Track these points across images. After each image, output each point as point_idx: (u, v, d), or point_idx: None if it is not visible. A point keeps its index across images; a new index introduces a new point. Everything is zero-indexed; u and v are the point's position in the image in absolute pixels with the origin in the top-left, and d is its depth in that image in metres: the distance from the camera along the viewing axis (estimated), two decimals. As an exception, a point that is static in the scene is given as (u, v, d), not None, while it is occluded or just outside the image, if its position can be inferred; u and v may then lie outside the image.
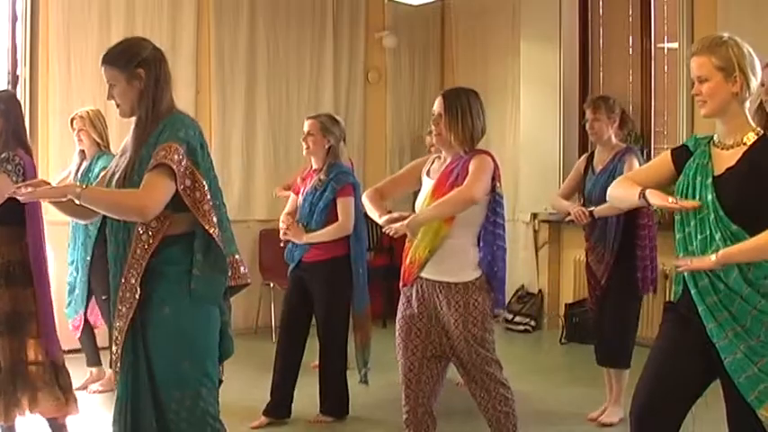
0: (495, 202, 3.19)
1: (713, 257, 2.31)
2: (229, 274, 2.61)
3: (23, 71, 5.85)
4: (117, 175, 2.55)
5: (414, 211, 3.27)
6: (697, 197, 2.39)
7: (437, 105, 3.25)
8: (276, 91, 6.91)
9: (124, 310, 2.51)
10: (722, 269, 2.31)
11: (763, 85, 3.42)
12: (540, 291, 6.95)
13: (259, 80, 6.87)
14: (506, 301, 3.36)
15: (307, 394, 4.43)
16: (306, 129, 4.26)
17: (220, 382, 2.72)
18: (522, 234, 7.07)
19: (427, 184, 3.28)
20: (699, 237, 2.37)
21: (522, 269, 7.10)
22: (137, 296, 2.47)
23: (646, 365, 2.53)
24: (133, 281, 2.47)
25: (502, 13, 7.22)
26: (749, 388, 2.30)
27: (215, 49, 6.64)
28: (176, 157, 2.44)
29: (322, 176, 4.20)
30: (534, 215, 6.94)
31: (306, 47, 7.14)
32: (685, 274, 2.43)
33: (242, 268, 2.66)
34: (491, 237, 3.19)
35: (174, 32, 6.39)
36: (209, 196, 2.51)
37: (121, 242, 2.52)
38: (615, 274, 4.14)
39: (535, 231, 6.99)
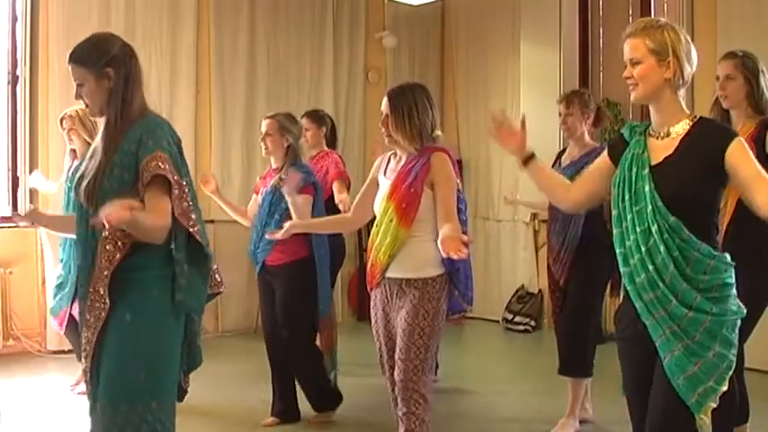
0: (457, 199, 3.11)
1: None
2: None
3: (23, 71, 5.85)
4: (87, 180, 2.45)
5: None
6: (633, 189, 2.29)
7: (383, 106, 3.17)
8: (276, 91, 6.92)
9: (92, 320, 2.41)
10: (660, 262, 2.23)
11: (717, 78, 3.37)
12: (539, 291, 6.95)
13: (259, 80, 6.87)
14: (472, 298, 3.24)
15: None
16: (263, 129, 4.16)
17: (185, 392, 2.61)
18: (522, 234, 7.07)
19: (384, 185, 3.18)
20: (638, 230, 2.27)
21: (522, 269, 7.11)
22: (105, 306, 2.38)
23: (627, 400, 2.45)
24: (102, 291, 2.38)
25: (502, 13, 7.23)
26: (689, 389, 2.21)
27: (215, 49, 6.64)
28: (167, 166, 2.38)
29: (282, 176, 4.10)
30: (534, 215, 6.93)
31: (306, 47, 7.14)
32: (622, 268, 2.34)
33: (217, 276, 2.59)
34: None
35: (174, 32, 6.39)
36: (191, 203, 2.45)
37: (89, 251, 2.43)
38: (576, 274, 3.93)
39: (535, 231, 6.99)
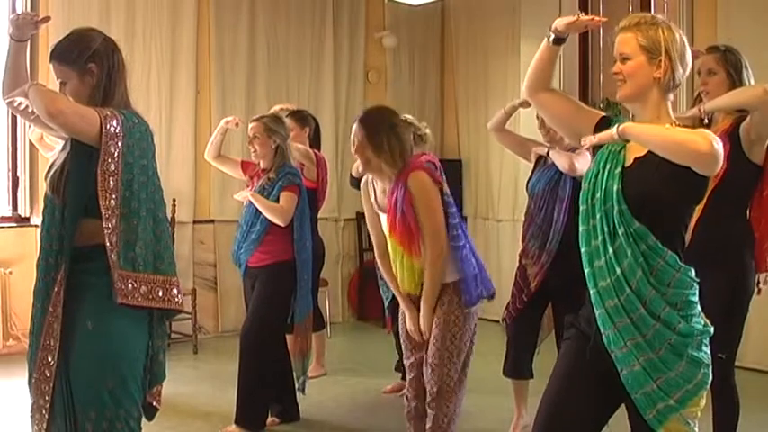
0: (444, 203, 3.15)
1: (614, 129, 2.13)
2: (160, 294, 2.43)
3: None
4: (54, 169, 2.44)
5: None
6: (604, 187, 2.16)
7: (356, 133, 3.11)
8: (276, 91, 6.91)
9: (52, 342, 2.38)
10: (627, 266, 2.10)
11: (699, 74, 3.25)
12: (540, 291, 6.92)
13: (259, 80, 6.87)
14: (481, 295, 3.26)
15: (307, 395, 4.44)
16: (250, 133, 4.15)
17: (156, 409, 2.55)
18: (522, 234, 7.05)
19: (383, 219, 3.24)
20: (605, 230, 2.14)
21: (522, 269, 7.09)
22: (59, 316, 2.35)
23: (544, 393, 2.30)
24: (58, 311, 2.36)
25: (502, 13, 7.22)
26: (647, 405, 2.11)
27: (215, 49, 6.64)
28: (114, 123, 2.34)
29: (271, 175, 4.11)
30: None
31: (306, 47, 7.14)
32: (586, 269, 2.19)
33: (174, 290, 2.46)
34: (449, 238, 3.16)
35: (173, 32, 6.40)
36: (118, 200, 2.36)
37: (51, 280, 2.38)
38: (556, 279, 3.75)
39: (535, 231, 6.97)
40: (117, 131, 2.35)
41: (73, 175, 2.38)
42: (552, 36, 2.30)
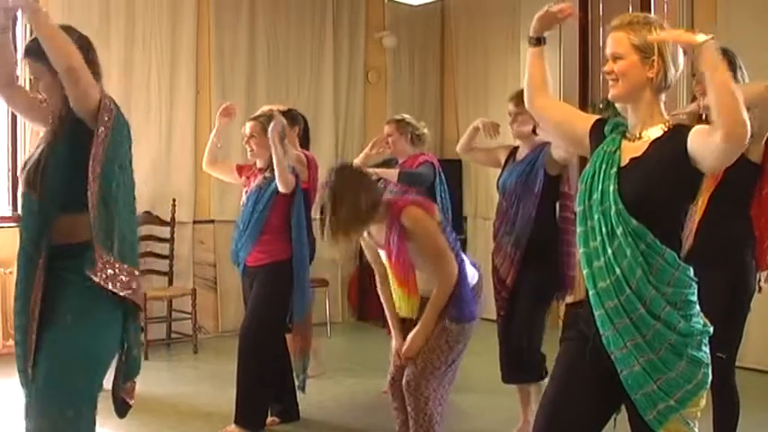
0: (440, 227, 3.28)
1: (700, 36, 1.97)
2: (134, 287, 2.40)
3: (23, 71, 5.82)
4: (30, 165, 2.42)
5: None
6: (600, 187, 2.16)
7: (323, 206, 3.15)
8: (276, 91, 6.92)
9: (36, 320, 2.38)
10: (627, 266, 2.09)
11: (693, 75, 3.28)
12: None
13: (259, 80, 6.87)
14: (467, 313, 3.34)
15: (307, 395, 4.44)
16: (247, 132, 4.16)
17: (129, 406, 2.54)
18: (522, 234, 7.05)
19: (381, 254, 3.34)
20: (603, 231, 2.13)
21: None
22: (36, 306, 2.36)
23: (543, 396, 2.32)
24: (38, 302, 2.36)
25: (502, 13, 7.23)
26: (647, 406, 2.10)
27: (215, 49, 6.65)
28: (108, 102, 2.35)
29: (267, 174, 4.12)
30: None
31: (306, 47, 7.15)
32: (584, 270, 2.18)
33: (134, 284, 2.41)
34: None
35: (173, 32, 6.40)
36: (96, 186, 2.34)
37: (31, 276, 2.38)
38: (526, 273, 3.80)
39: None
40: (111, 108, 2.37)
41: (51, 168, 2.36)
42: (532, 39, 2.35)
